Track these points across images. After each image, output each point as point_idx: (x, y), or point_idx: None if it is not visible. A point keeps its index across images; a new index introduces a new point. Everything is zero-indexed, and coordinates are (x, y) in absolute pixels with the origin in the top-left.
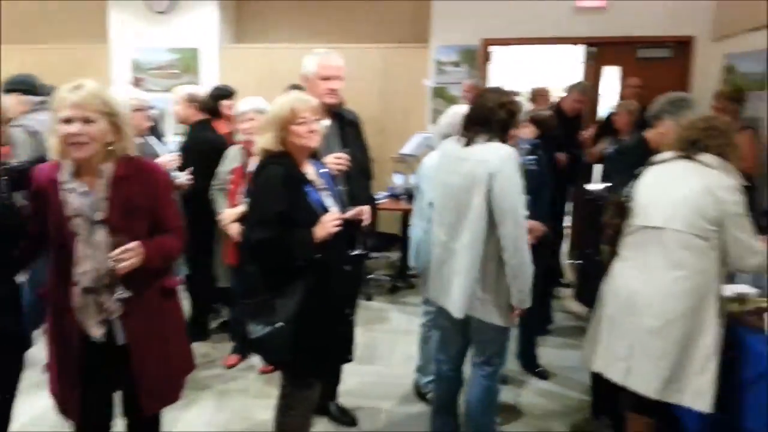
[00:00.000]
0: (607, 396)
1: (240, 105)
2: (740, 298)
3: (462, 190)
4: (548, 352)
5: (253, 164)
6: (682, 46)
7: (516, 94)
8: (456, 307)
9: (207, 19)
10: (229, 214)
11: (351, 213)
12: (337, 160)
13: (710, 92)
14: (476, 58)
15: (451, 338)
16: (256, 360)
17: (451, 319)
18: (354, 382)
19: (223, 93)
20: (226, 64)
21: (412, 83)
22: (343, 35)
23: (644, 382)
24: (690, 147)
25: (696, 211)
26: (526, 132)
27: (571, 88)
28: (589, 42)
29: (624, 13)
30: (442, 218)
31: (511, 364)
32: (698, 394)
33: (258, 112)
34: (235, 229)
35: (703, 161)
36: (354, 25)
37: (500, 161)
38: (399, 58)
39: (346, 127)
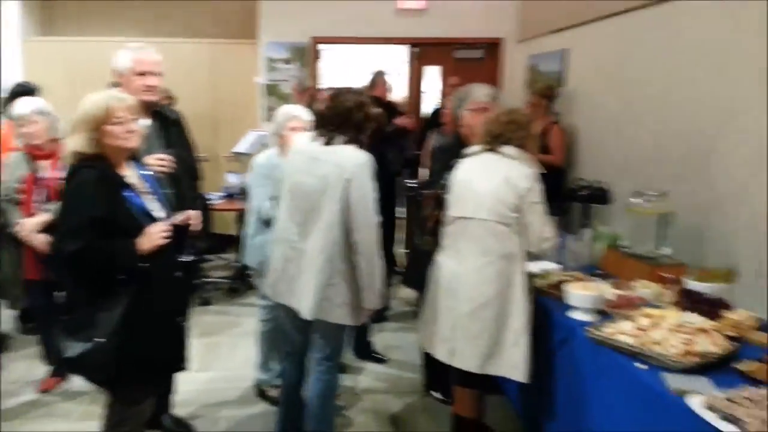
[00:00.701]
0: (437, 373)
1: (18, 107)
2: (544, 274)
3: (316, 193)
4: (386, 337)
5: (44, 170)
6: (493, 47)
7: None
8: (306, 309)
9: (5, 9)
10: (30, 225)
11: (178, 218)
12: (160, 161)
13: (519, 89)
14: (306, 55)
15: (293, 334)
16: (78, 381)
17: (293, 316)
18: (191, 391)
19: (24, 90)
20: (31, 59)
21: (243, 80)
22: (169, 29)
23: (466, 359)
24: (494, 140)
25: (498, 200)
26: None
27: (377, 77)
28: (412, 42)
29: (442, 15)
30: (292, 217)
31: (349, 353)
32: (514, 365)
33: (40, 113)
34: (40, 240)
35: (505, 153)
36: (180, 19)
37: (357, 168)
38: (228, 54)
39: (169, 127)
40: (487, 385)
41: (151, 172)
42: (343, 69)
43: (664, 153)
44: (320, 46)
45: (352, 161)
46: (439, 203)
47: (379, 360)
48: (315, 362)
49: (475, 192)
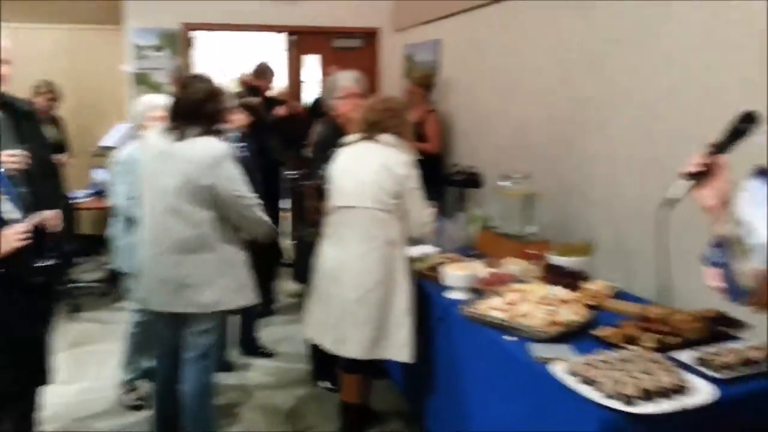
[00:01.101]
0: (324, 363)
1: None
2: (424, 257)
3: (175, 191)
4: (273, 331)
5: None
6: (370, 37)
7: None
8: (204, 306)
9: None
10: None
11: (35, 219)
12: (12, 158)
13: (397, 78)
14: (178, 42)
15: (165, 335)
16: None
17: (166, 316)
18: (60, 404)
19: None
20: None
21: (109, 69)
22: (22, 13)
23: (353, 346)
24: (371, 128)
25: (379, 188)
26: (238, 119)
27: (262, 72)
28: (289, 30)
29: (319, 4)
30: (154, 217)
31: (236, 350)
32: (399, 347)
33: None
34: None
35: (383, 141)
36: (35, 2)
37: (215, 160)
38: (91, 41)
39: (21, 120)
40: (373, 369)
41: (2, 170)
42: (219, 57)
43: (530, 139)
44: (193, 33)
45: (210, 154)
46: (320, 194)
47: (267, 354)
48: (189, 361)
49: (355, 181)
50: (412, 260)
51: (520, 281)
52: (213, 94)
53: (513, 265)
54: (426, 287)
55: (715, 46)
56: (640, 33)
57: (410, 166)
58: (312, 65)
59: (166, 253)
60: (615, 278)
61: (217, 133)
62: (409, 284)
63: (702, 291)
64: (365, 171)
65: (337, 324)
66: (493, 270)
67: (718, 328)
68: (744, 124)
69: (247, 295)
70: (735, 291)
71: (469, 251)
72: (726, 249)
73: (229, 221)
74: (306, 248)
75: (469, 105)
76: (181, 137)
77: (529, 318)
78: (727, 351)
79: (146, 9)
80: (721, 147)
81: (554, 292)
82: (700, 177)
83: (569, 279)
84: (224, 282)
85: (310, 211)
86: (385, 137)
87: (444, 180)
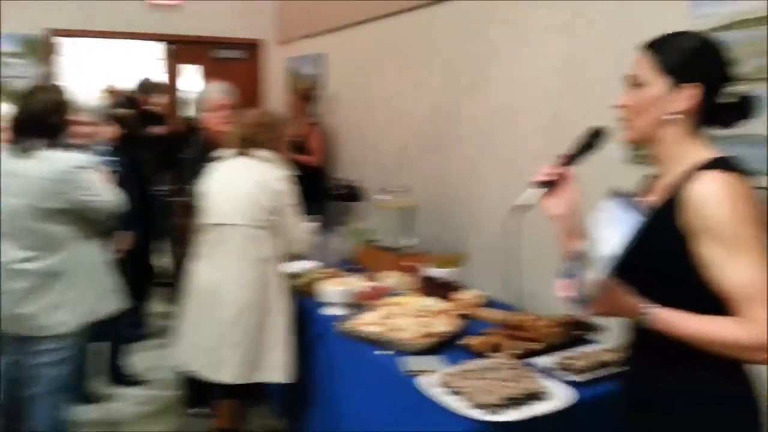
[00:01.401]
0: (198, 387)
1: None
2: (303, 273)
3: (25, 212)
4: (144, 357)
5: None
6: (253, 48)
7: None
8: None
9: None
10: None
11: None
12: None
13: (280, 91)
14: (41, 49)
15: (15, 368)
16: None
17: (11, 340)
18: None
19: None
20: None
21: None
22: None
23: (228, 371)
24: (245, 143)
25: (254, 204)
26: (109, 132)
27: (146, 87)
28: (167, 39)
29: (199, 13)
30: (8, 239)
31: (101, 379)
32: (277, 368)
33: None
34: None
35: (258, 156)
36: None
37: (65, 175)
38: None
39: None
40: (250, 393)
41: None
42: (90, 66)
43: (411, 152)
44: (59, 40)
45: (59, 168)
46: (190, 211)
47: (136, 383)
48: (39, 398)
49: (229, 197)
50: (291, 277)
51: (397, 294)
52: (57, 105)
53: (391, 279)
54: (305, 304)
55: (569, 71)
56: (515, 53)
57: (287, 182)
58: (191, 76)
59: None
60: (490, 287)
61: (67, 146)
62: (286, 302)
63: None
64: (240, 187)
65: (211, 348)
66: (372, 284)
67: (576, 332)
68: (592, 139)
69: (110, 303)
70: (580, 300)
71: (349, 265)
72: (576, 262)
73: (87, 227)
74: (177, 267)
75: (354, 119)
76: (26, 152)
77: (403, 331)
78: (583, 354)
79: (7, 13)
80: (570, 159)
81: (428, 303)
82: (549, 186)
83: (443, 290)
84: (79, 295)
85: (180, 228)
86: (261, 153)
87: (326, 194)
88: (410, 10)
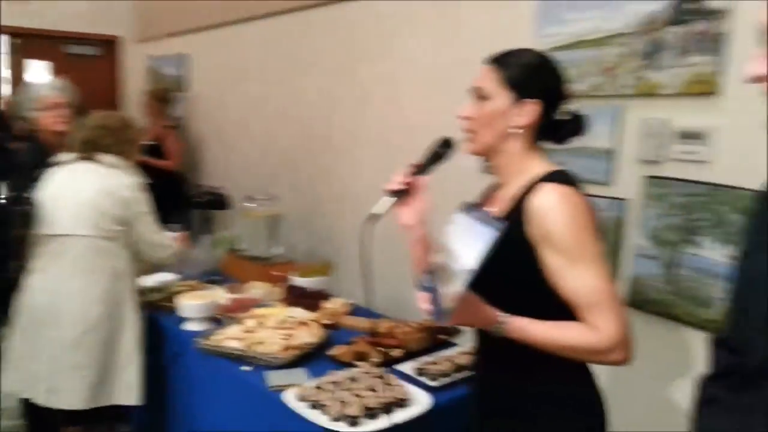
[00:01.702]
0: (39, 415)
1: None
2: (160, 286)
3: None
4: None
5: None
6: (110, 45)
7: None
8: None
9: None
10: None
11: None
12: None
13: (139, 91)
14: None
15: None
16: None
17: None
18: None
19: None
20: None
21: None
22: None
23: (71, 397)
24: (86, 147)
25: (100, 214)
26: None
27: None
28: (11, 32)
29: (50, 5)
30: None
31: None
32: (127, 389)
33: None
34: None
35: (103, 161)
36: None
37: None
38: None
39: None
40: (99, 418)
41: None
42: None
43: (279, 159)
44: None
45: None
46: (26, 221)
47: None
48: None
49: (68, 206)
50: (147, 291)
51: (263, 305)
52: None
53: (256, 289)
54: (162, 320)
55: (433, 83)
56: (389, 61)
57: (137, 189)
58: (38, 72)
59: None
60: (359, 294)
61: None
62: (138, 319)
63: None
64: (82, 195)
65: (50, 372)
66: (236, 296)
67: (440, 336)
68: (442, 149)
69: None
70: (439, 312)
71: (214, 276)
72: (434, 275)
73: None
74: (6, 283)
75: (219, 123)
76: None
77: (266, 345)
78: (443, 359)
79: None
80: (421, 168)
81: (294, 314)
82: (401, 195)
83: (309, 299)
84: None
85: (15, 241)
86: (106, 158)
87: (188, 201)
88: (283, 13)
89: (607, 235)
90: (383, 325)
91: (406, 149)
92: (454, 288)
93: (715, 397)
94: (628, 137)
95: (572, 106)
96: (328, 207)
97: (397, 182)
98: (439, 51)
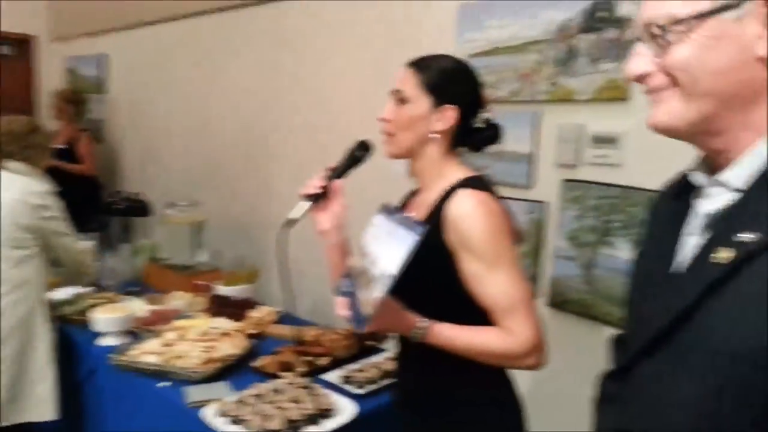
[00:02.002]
0: None
1: None
2: (74, 299)
3: None
4: None
5: None
6: (23, 44)
7: None
8: None
9: None
10: None
11: None
12: None
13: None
14: None
15: None
16: None
17: None
18: None
19: None
20: None
21: None
22: None
23: None
24: None
25: (10, 222)
26: None
27: None
28: None
29: None
30: None
31: None
32: (40, 404)
33: None
34: None
35: (9, 168)
36: None
37: None
38: None
39: None
40: None
41: None
42: None
43: (201, 163)
44: None
45: None
46: None
47: None
48: None
49: None
50: (59, 305)
51: (185, 317)
52: None
53: (178, 300)
54: (75, 336)
55: (357, 89)
56: (316, 66)
57: (47, 196)
58: None
59: None
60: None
61: None
62: (49, 331)
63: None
64: None
65: None
66: (156, 307)
67: (365, 342)
68: (359, 152)
69: None
70: (358, 318)
71: (133, 287)
72: (353, 279)
73: None
74: None
75: (139, 126)
76: None
77: (185, 359)
78: (370, 366)
79: None
80: (337, 171)
81: (217, 324)
82: (318, 199)
83: (234, 309)
84: None
85: None
86: (12, 164)
87: (105, 207)
88: (205, 13)
89: (529, 238)
90: (310, 333)
91: (333, 151)
92: (374, 293)
93: (610, 394)
94: (545, 142)
95: (489, 113)
96: (254, 211)
97: (312, 186)
98: (364, 52)
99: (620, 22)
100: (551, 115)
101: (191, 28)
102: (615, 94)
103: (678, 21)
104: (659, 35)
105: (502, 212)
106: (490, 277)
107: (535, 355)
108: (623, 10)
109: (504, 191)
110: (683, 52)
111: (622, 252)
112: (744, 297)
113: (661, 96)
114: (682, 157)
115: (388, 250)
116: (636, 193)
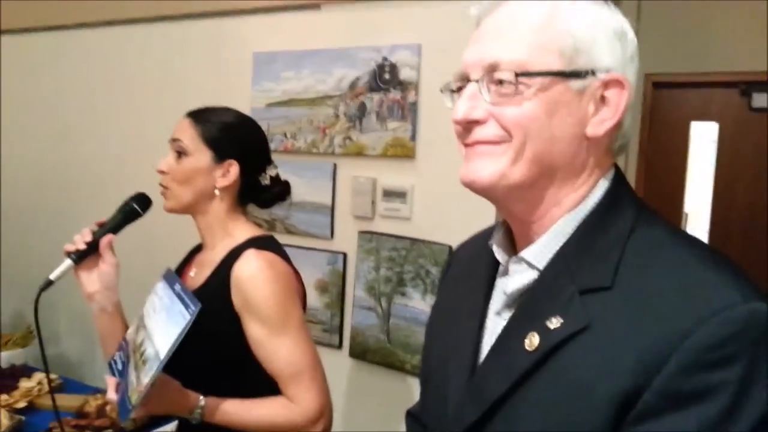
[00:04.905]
0: None
1: None
2: None
3: None
4: None
5: None
6: None
7: None
8: None
9: None
10: None
11: None
12: None
13: None
14: None
15: None
16: None
17: None
18: None
19: None
20: None
21: None
22: None
23: None
24: None
25: None
26: None
27: None
28: None
29: None
30: None
31: None
32: None
33: None
34: None
35: None
36: None
37: None
38: None
39: None
40: None
41: None
42: None
43: None
44: None
45: None
46: None
47: None
48: None
49: None
50: None
51: None
52: None
53: None
54: None
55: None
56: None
57: None
58: None
59: None
60: (71, 366)
61: None
62: None
63: None
64: None
65: None
66: None
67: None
68: (135, 205)
69: None
70: (124, 406)
71: None
72: (126, 356)
73: None
74: None
75: None
76: None
77: None
78: None
79: None
80: (108, 226)
81: None
82: (83, 257)
83: (3, 378)
84: None
85: None
86: None
87: None
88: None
89: (332, 288)
90: (94, 403)
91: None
92: (144, 377)
93: None
94: (342, 194)
95: (275, 168)
96: (37, 259)
97: (78, 242)
98: (161, 97)
99: (401, 85)
100: (347, 168)
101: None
102: (401, 151)
103: (529, 73)
104: (507, 82)
105: (290, 274)
106: (274, 343)
107: (319, 423)
108: (404, 74)
109: (307, 242)
110: (528, 108)
111: (415, 302)
112: (553, 385)
113: (483, 150)
114: (465, 212)
115: (164, 326)
116: (423, 245)
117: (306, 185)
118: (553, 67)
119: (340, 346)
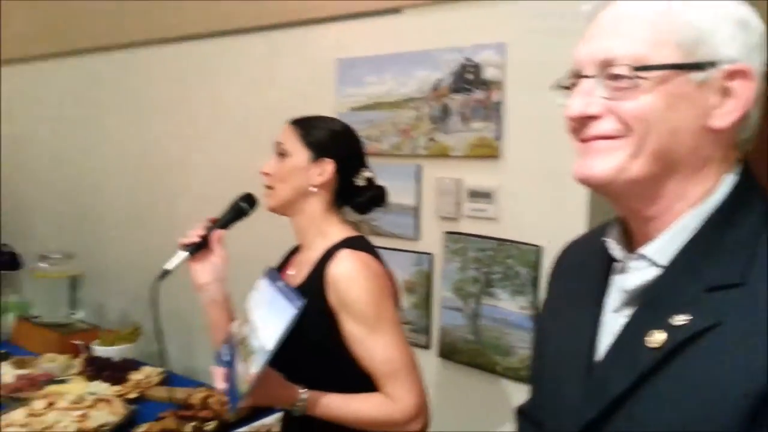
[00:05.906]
0: None
1: None
2: None
3: None
4: None
5: None
6: None
7: None
8: None
9: None
10: None
11: None
12: None
13: None
14: None
15: None
16: None
17: None
18: None
19: None
20: None
21: None
22: None
23: None
24: None
25: None
26: None
27: None
28: None
29: None
30: None
31: None
32: None
33: None
34: None
35: None
36: None
37: None
38: None
39: None
40: None
41: None
42: None
43: (78, 211)
44: None
45: None
46: None
47: None
48: None
49: None
50: None
51: (58, 381)
52: None
53: (50, 362)
54: None
55: (250, 140)
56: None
57: None
58: None
59: None
60: (181, 358)
61: None
62: None
63: None
64: None
65: None
66: (24, 371)
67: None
68: (243, 204)
69: None
70: (233, 394)
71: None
72: (233, 348)
73: None
74: None
75: (8, 171)
76: None
77: (55, 429)
78: (259, 429)
79: None
80: (219, 222)
81: (95, 389)
82: (197, 249)
83: (114, 371)
84: None
85: None
86: None
87: None
88: (94, 51)
89: (418, 289)
90: (197, 396)
91: (220, 201)
92: (251, 368)
93: None
94: (427, 195)
95: (371, 172)
96: (140, 262)
97: (192, 235)
98: (249, 103)
99: (485, 85)
100: (431, 169)
101: (68, 69)
102: (486, 151)
103: (647, 67)
104: (623, 76)
105: (384, 274)
106: (370, 341)
107: (417, 421)
108: (488, 74)
109: (392, 243)
110: (647, 101)
111: (505, 303)
112: (679, 383)
113: (601, 145)
114: (554, 212)
115: (268, 320)
116: (511, 246)
117: (391, 187)
118: (672, 59)
119: (427, 346)
